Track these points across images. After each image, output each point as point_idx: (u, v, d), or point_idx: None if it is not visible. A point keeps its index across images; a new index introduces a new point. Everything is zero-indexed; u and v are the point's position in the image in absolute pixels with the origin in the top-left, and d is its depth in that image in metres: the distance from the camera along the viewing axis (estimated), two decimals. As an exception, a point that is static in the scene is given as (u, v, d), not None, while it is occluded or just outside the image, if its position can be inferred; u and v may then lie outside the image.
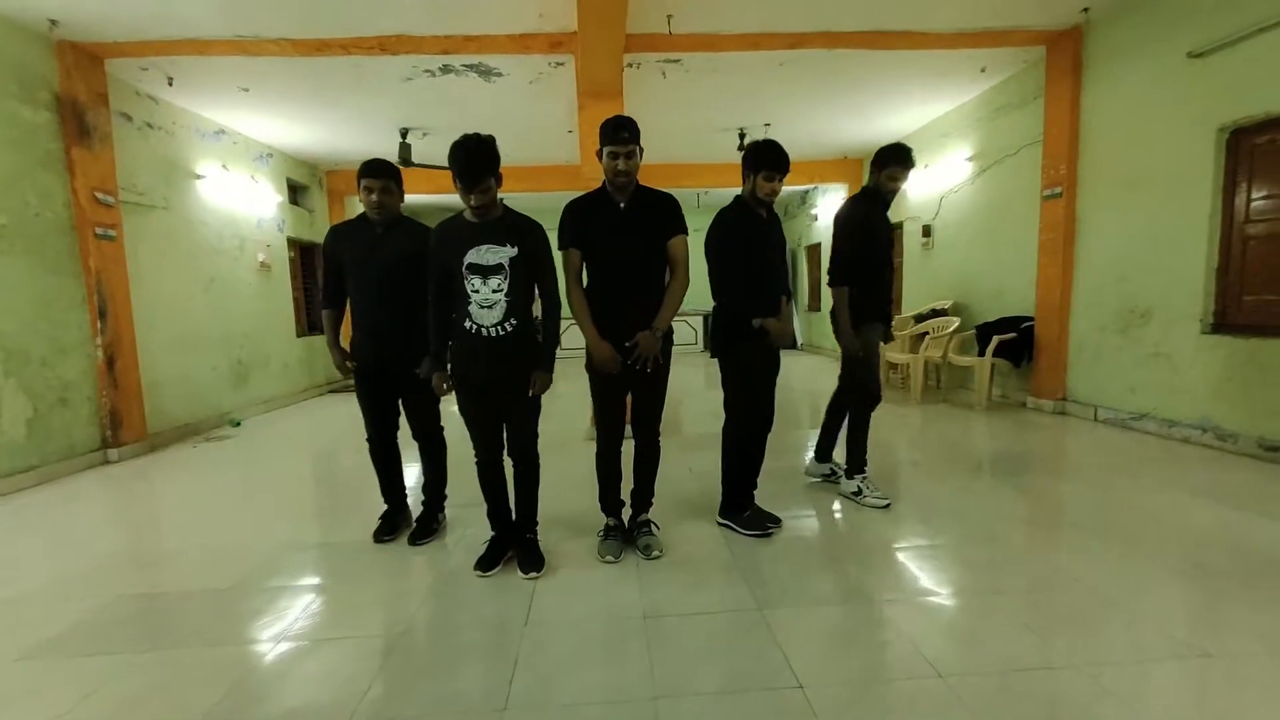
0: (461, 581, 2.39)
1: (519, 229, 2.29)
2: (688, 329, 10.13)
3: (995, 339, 5.32)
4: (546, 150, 7.52)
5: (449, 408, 2.68)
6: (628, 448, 2.59)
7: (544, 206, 9.57)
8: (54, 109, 4.26)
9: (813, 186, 10.08)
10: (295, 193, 7.85)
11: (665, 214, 2.42)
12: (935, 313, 6.52)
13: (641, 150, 2.37)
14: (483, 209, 2.22)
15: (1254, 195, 3.72)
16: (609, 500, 2.63)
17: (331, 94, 5.59)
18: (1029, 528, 2.85)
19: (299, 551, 2.76)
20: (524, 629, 2.01)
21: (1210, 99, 3.82)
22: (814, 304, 11.16)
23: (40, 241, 4.11)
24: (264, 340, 6.79)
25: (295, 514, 3.36)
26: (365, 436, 2.80)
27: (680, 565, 2.46)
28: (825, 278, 3.11)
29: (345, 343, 2.80)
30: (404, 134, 6.77)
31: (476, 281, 2.23)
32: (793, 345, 3.25)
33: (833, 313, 3.05)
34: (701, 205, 11.45)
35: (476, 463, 2.46)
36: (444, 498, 2.92)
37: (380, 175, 2.52)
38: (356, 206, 5.60)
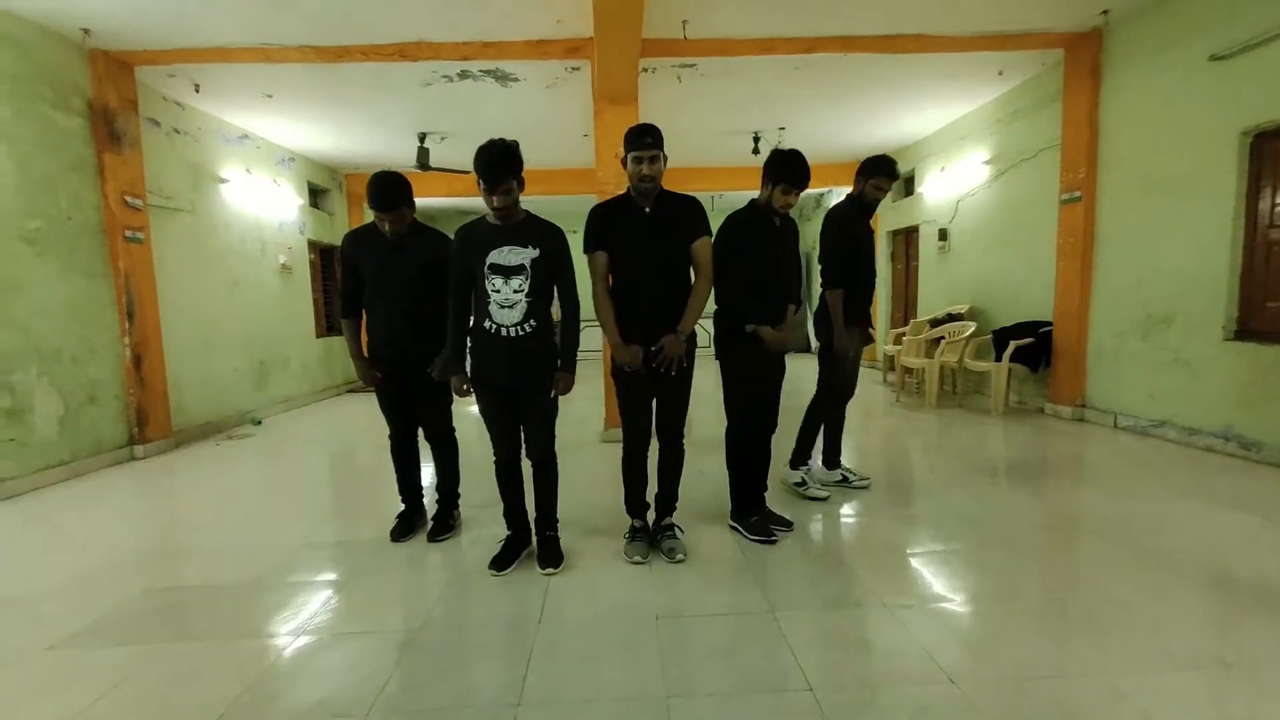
0: (478, 578, 2.43)
1: (541, 232, 2.34)
2: (702, 332, 10.15)
3: (1012, 344, 5.27)
4: (563, 154, 7.58)
5: (463, 408, 2.73)
6: (652, 449, 2.61)
7: (561, 210, 9.63)
8: (86, 115, 4.40)
9: (828, 190, 10.05)
10: (316, 196, 7.99)
11: (690, 216, 2.44)
12: (951, 317, 6.47)
13: (665, 156, 2.40)
14: (505, 211, 2.28)
15: (1278, 200, 3.66)
16: (634, 502, 2.65)
17: (351, 99, 5.69)
18: (1045, 534, 2.82)
19: (318, 548, 2.82)
20: (539, 626, 2.04)
21: (1232, 102, 3.76)
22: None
23: (72, 244, 4.24)
24: (284, 341, 6.91)
25: (315, 511, 3.42)
26: (388, 434, 2.88)
27: (694, 567, 2.48)
28: (816, 281, 3.17)
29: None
30: (422, 138, 6.86)
31: (498, 281, 2.28)
32: (805, 349, 3.28)
33: (818, 314, 3.14)
34: (716, 209, 11.46)
35: (495, 462, 2.50)
36: (458, 495, 2.97)
37: (390, 208, 2.54)
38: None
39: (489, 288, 2.29)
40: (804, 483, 3.27)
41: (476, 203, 10.52)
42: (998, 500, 3.22)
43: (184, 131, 5.47)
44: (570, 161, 7.92)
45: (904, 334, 6.90)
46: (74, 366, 4.22)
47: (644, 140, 2.33)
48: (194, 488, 4.00)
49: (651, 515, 2.71)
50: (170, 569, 2.66)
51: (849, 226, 3.14)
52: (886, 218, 8.67)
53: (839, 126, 7.04)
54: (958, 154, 6.75)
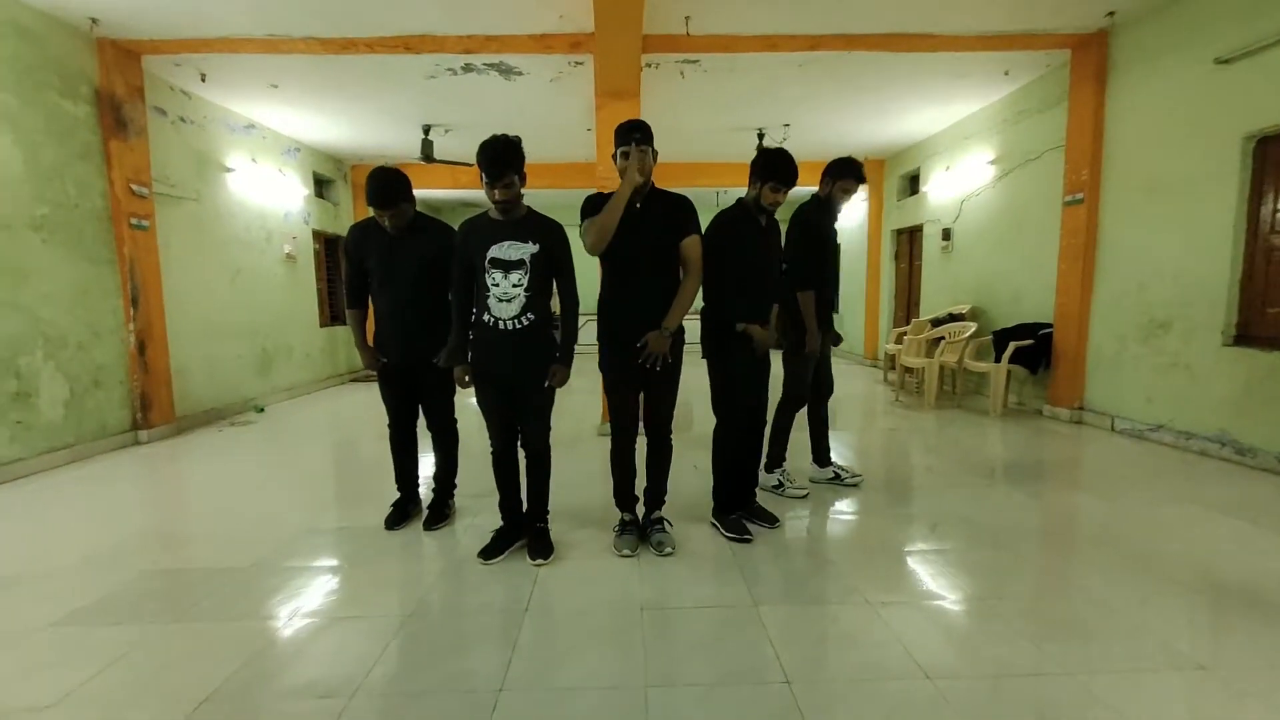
0: (469, 567, 2.47)
1: (541, 227, 2.38)
2: (691, 327, 10.17)
3: (1012, 345, 5.26)
4: (565, 148, 7.59)
5: (464, 400, 2.76)
6: (641, 444, 2.64)
7: (562, 203, 9.67)
8: (93, 103, 4.44)
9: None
10: (321, 186, 8.03)
11: (679, 214, 2.46)
12: (953, 317, 6.46)
13: (656, 153, 2.42)
14: (506, 205, 2.31)
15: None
16: (624, 496, 2.69)
17: (357, 91, 5.72)
18: (1036, 536, 2.84)
19: (316, 534, 2.87)
20: (525, 615, 2.08)
21: (1237, 106, 3.74)
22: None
23: (78, 231, 4.29)
24: (288, 329, 6.97)
25: (314, 498, 3.48)
26: (387, 423, 2.94)
27: (681, 560, 2.51)
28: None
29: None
30: (426, 130, 6.88)
31: (498, 275, 2.32)
32: (835, 344, 3.30)
33: (784, 314, 3.11)
34: (720, 204, 11.45)
35: (492, 453, 2.54)
36: (454, 486, 3.02)
37: (388, 205, 2.58)
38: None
39: (489, 281, 2.33)
40: (781, 484, 3.30)
41: (480, 195, 10.53)
42: (990, 501, 3.24)
43: (190, 120, 5.52)
44: (573, 156, 7.93)
45: (905, 333, 6.90)
46: (79, 351, 4.28)
47: (633, 135, 2.35)
48: (196, 473, 4.06)
49: (641, 509, 2.74)
50: (171, 551, 2.71)
51: (818, 227, 3.14)
52: (891, 216, 8.65)
53: (844, 124, 7.02)
54: (963, 153, 6.72)
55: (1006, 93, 5.90)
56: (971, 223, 6.61)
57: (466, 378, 2.46)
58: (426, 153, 6.96)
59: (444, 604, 2.21)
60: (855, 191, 3.17)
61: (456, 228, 2.51)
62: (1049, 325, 5.24)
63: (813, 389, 3.33)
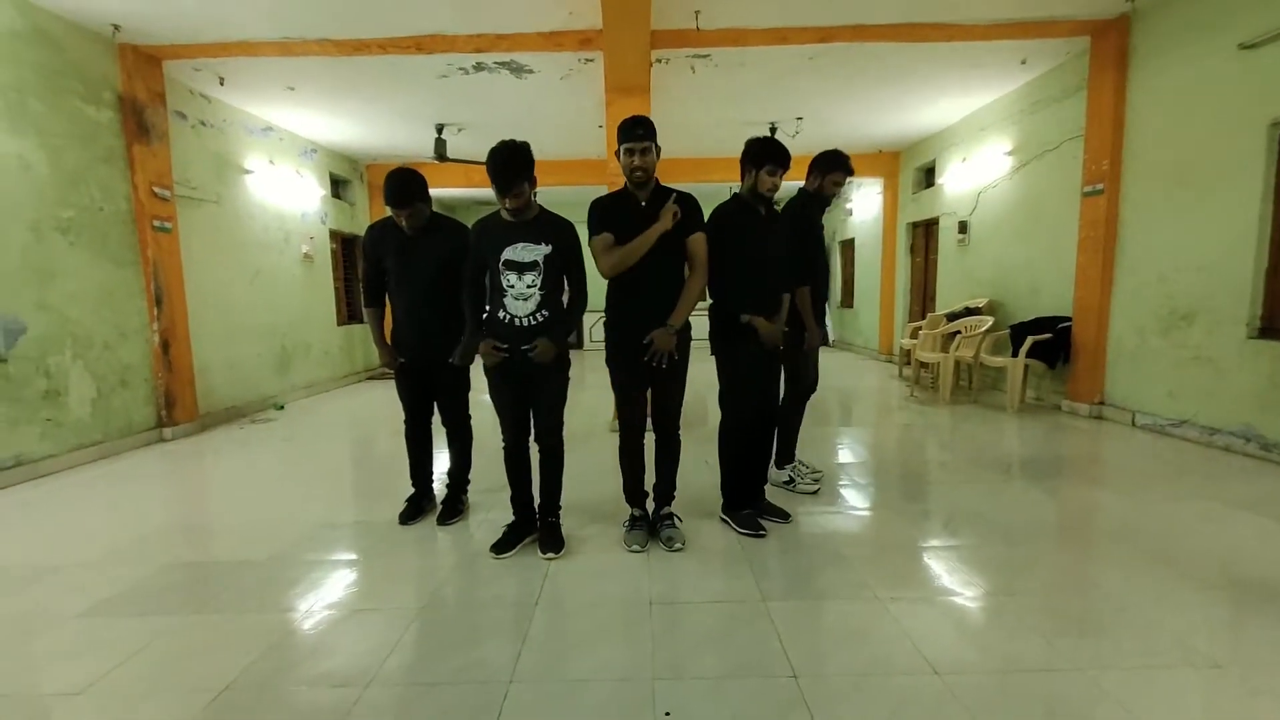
0: (482, 561, 2.51)
1: (553, 228, 2.41)
2: (698, 323, 10.17)
3: (1029, 339, 5.18)
4: (577, 145, 7.61)
5: (478, 397, 2.80)
6: (650, 440, 2.66)
7: (575, 200, 9.69)
8: (116, 108, 4.55)
9: (847, 180, 9.91)
10: (337, 186, 8.14)
11: (684, 211, 2.46)
12: (969, 311, 6.38)
13: (659, 149, 2.43)
14: (518, 210, 2.34)
15: (1308, 193, 3.54)
16: (633, 491, 2.70)
17: (371, 91, 5.79)
18: (1051, 532, 2.80)
19: (334, 528, 2.93)
20: (536, 608, 2.11)
21: (1262, 92, 3.64)
22: (847, 300, 11.01)
23: (103, 234, 4.41)
24: (306, 328, 7.09)
25: (332, 493, 3.55)
26: (403, 419, 2.99)
27: (691, 555, 2.53)
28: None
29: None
30: (440, 129, 6.94)
31: (512, 277, 2.36)
32: (826, 343, 3.26)
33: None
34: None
35: (504, 448, 2.58)
36: (467, 481, 3.06)
37: (404, 204, 2.63)
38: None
39: (504, 282, 2.37)
40: (792, 480, 3.29)
41: (492, 193, 10.60)
42: (1004, 497, 3.20)
43: (210, 124, 5.63)
44: (585, 152, 7.94)
45: (920, 328, 6.82)
46: (106, 351, 4.40)
47: (635, 132, 2.35)
48: (219, 469, 4.16)
49: (651, 504, 2.76)
50: (194, 545, 2.79)
51: (809, 221, 3.12)
52: (907, 209, 8.55)
53: (858, 116, 6.95)
54: (979, 145, 6.62)
55: (1024, 82, 5.79)
56: (988, 215, 6.51)
57: (493, 349, 2.39)
58: (440, 152, 7.02)
59: (457, 597, 2.24)
60: (844, 184, 3.16)
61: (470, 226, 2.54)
62: (1068, 319, 5.15)
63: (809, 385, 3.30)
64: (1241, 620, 1.98)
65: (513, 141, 2.27)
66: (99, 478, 3.90)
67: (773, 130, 7.09)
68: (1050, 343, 5.16)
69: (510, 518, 2.67)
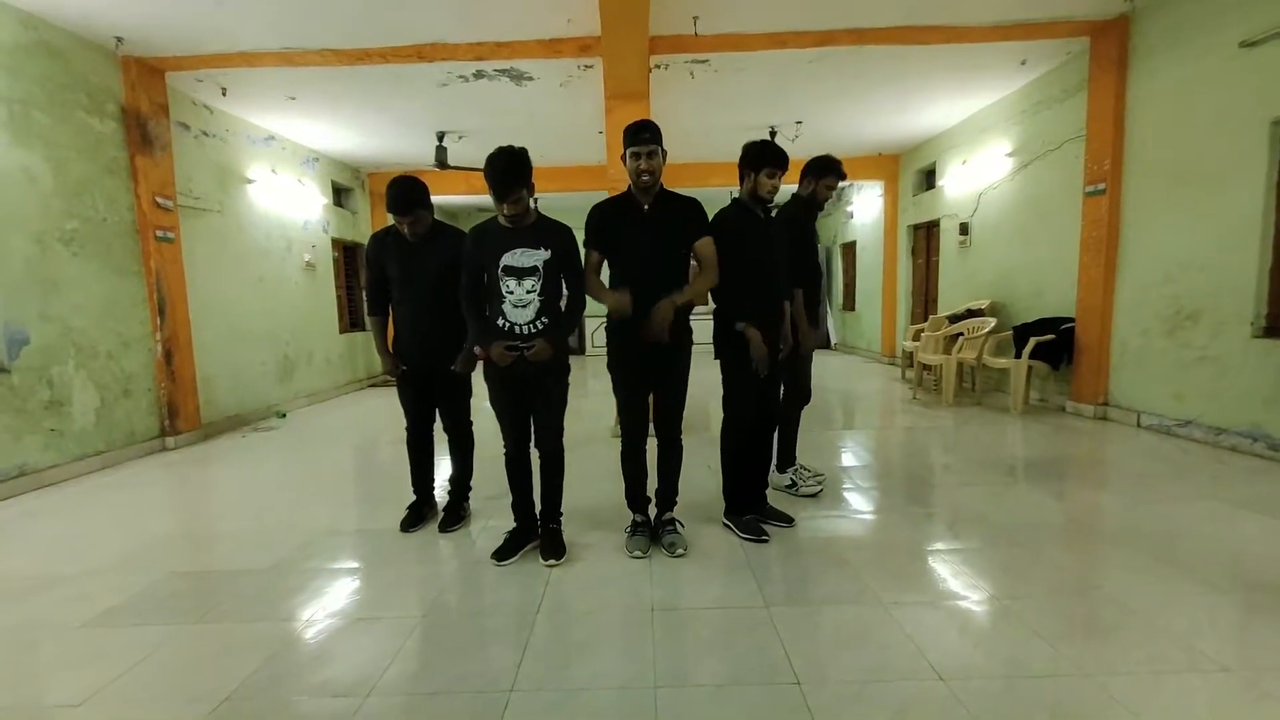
0: (483, 568, 2.51)
1: (551, 233, 2.41)
2: (699, 327, 10.18)
3: (1032, 340, 5.16)
4: (577, 151, 7.63)
5: (480, 404, 2.80)
6: (652, 446, 2.65)
7: (575, 206, 9.69)
8: (119, 119, 4.59)
9: (848, 184, 9.92)
10: (339, 195, 8.18)
11: (689, 216, 2.46)
12: (971, 313, 6.36)
13: (665, 153, 2.43)
14: (516, 217, 2.34)
15: (1311, 191, 3.52)
16: (635, 497, 2.69)
17: (372, 100, 5.82)
18: (1056, 534, 2.78)
19: (336, 536, 2.92)
20: (537, 615, 2.10)
21: (1263, 90, 3.63)
22: (849, 303, 11.00)
23: (107, 244, 4.43)
24: (309, 336, 7.12)
25: (334, 501, 3.55)
26: (405, 426, 2.99)
27: (694, 561, 2.51)
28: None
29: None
30: (440, 137, 6.98)
31: (511, 283, 2.35)
32: (826, 345, 3.24)
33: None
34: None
35: (505, 454, 2.58)
36: (469, 489, 3.05)
37: (406, 211, 2.65)
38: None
39: (503, 289, 2.37)
40: (794, 484, 3.28)
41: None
42: (1010, 500, 3.18)
43: (212, 134, 5.67)
44: (586, 158, 7.97)
45: (923, 330, 6.80)
46: (109, 361, 4.42)
47: (641, 136, 2.36)
48: (221, 478, 4.17)
49: (653, 510, 2.75)
50: (197, 554, 2.79)
51: (803, 225, 3.12)
52: (907, 212, 8.54)
53: (858, 119, 6.95)
54: (980, 146, 6.61)
55: (1024, 83, 5.79)
56: (990, 216, 6.50)
57: (502, 349, 2.37)
58: (441, 159, 7.06)
59: (458, 605, 2.24)
60: (836, 188, 3.17)
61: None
62: (1071, 319, 5.13)
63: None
64: (1249, 623, 1.96)
65: (510, 147, 2.27)
66: (102, 487, 3.91)
67: (772, 134, 7.10)
68: (1053, 344, 5.14)
69: (512, 524, 2.66)
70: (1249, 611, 2.02)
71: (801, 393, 3.25)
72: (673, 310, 2.37)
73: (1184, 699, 1.60)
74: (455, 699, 1.68)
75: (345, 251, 8.28)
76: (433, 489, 3.10)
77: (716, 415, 5.25)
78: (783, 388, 3.03)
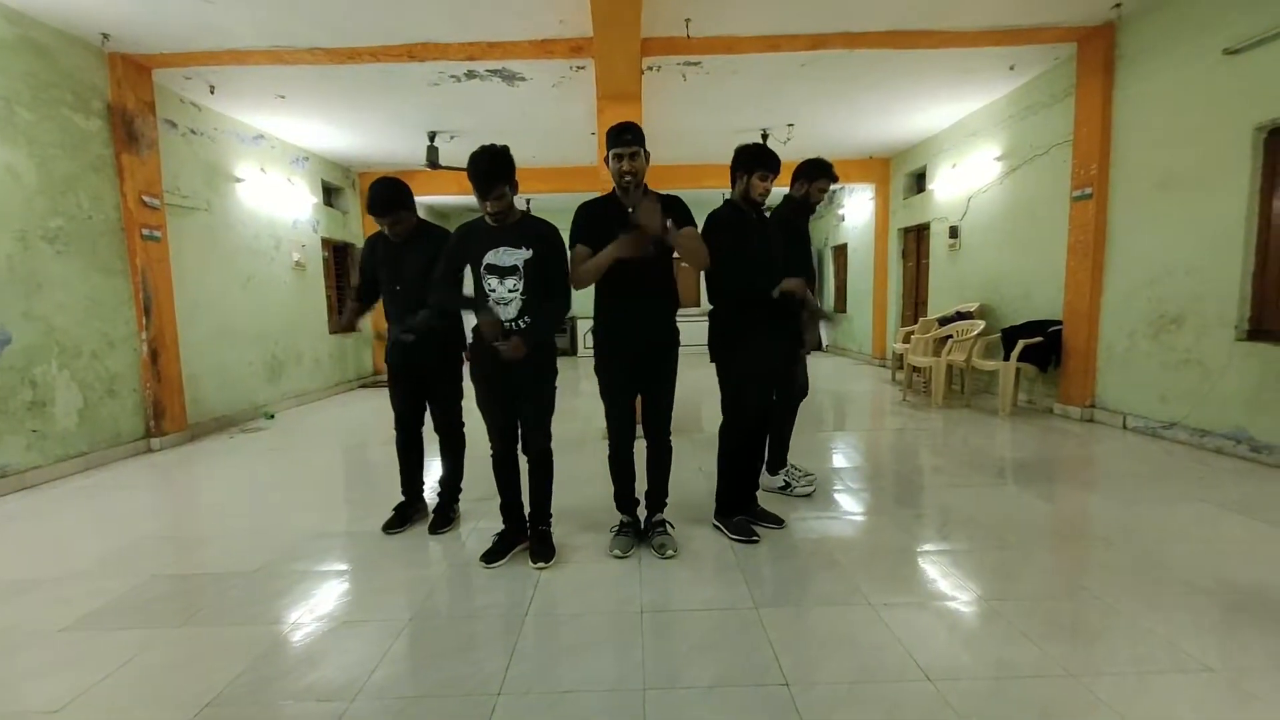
0: (472, 571, 2.49)
1: (534, 233, 2.39)
2: (698, 330, 10.18)
3: (1021, 343, 5.21)
4: (569, 152, 7.62)
5: (472, 404, 2.79)
6: (640, 447, 2.64)
7: (566, 207, 9.63)
8: (105, 117, 4.53)
9: (840, 186, 9.97)
10: (329, 194, 8.12)
11: (672, 214, 2.41)
12: (961, 315, 6.40)
13: (648, 154, 2.42)
14: (500, 215, 2.33)
15: (1293, 197, 3.58)
16: (623, 498, 2.68)
17: (363, 99, 5.78)
18: (1044, 536, 2.80)
19: (324, 538, 2.89)
20: (526, 618, 2.09)
21: (1247, 97, 3.68)
22: (840, 305, 11.05)
23: (92, 242, 4.38)
24: (298, 336, 7.05)
25: (323, 503, 3.51)
26: (394, 426, 2.97)
27: (684, 563, 2.51)
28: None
29: (379, 343, 2.98)
30: (432, 137, 6.95)
31: (494, 281, 2.35)
32: (818, 348, 3.23)
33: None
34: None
35: (492, 455, 2.56)
36: (459, 490, 3.04)
37: (385, 212, 2.66)
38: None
39: (485, 286, 2.36)
40: (788, 485, 3.29)
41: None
42: (998, 501, 3.20)
43: (200, 132, 5.61)
44: (578, 159, 7.96)
45: (912, 332, 6.84)
46: (93, 360, 4.36)
47: (624, 137, 2.34)
48: (207, 479, 4.12)
49: (643, 512, 2.74)
50: (181, 557, 2.75)
51: (796, 226, 3.14)
52: (898, 215, 8.60)
53: (849, 123, 6.99)
54: (969, 150, 6.67)
55: (1012, 88, 5.84)
56: (979, 220, 6.55)
57: (497, 328, 2.32)
58: (432, 159, 7.02)
59: (446, 608, 2.22)
60: (828, 190, 3.20)
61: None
62: (1059, 322, 5.18)
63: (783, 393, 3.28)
64: (1233, 624, 1.98)
65: (492, 146, 2.28)
66: (86, 489, 3.85)
67: (764, 137, 7.12)
68: (1041, 346, 5.18)
69: (501, 526, 2.65)
70: (1232, 612, 2.04)
71: (797, 393, 3.25)
72: (657, 216, 2.26)
73: (1168, 699, 1.61)
74: (442, 702, 1.66)
75: (335, 251, 8.22)
76: (422, 490, 3.08)
77: (708, 416, 5.27)
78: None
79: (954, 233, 6.97)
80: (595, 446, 4.48)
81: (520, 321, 2.36)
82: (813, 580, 2.35)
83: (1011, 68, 5.36)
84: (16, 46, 3.91)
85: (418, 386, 2.89)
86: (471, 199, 2.43)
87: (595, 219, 2.46)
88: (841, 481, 3.55)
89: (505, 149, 2.27)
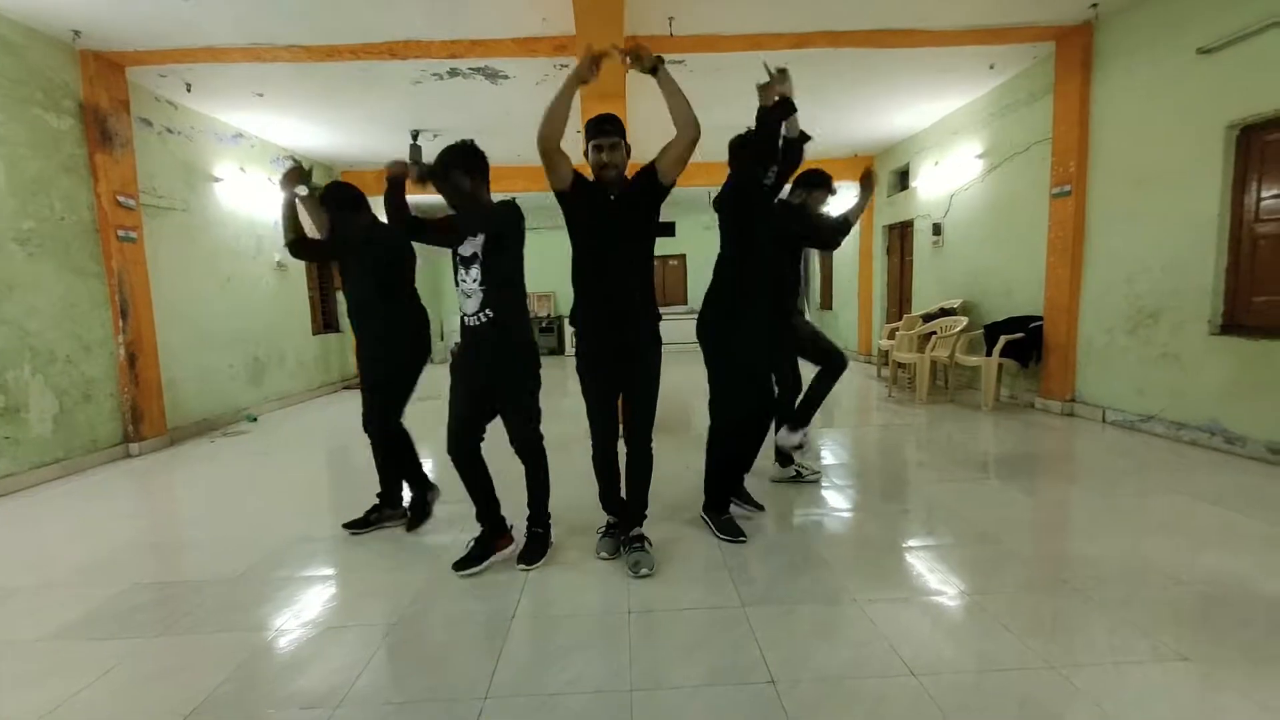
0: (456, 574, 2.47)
1: (490, 215, 2.35)
2: (685, 329, 10.20)
3: (1002, 339, 5.28)
4: (555, 150, 7.58)
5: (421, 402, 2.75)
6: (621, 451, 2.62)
7: (552, 205, 9.59)
8: (77, 116, 4.43)
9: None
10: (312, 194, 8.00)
11: (641, 176, 2.35)
12: (944, 312, 6.47)
13: (629, 147, 2.35)
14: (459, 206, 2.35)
15: (1264, 194, 3.66)
16: (608, 498, 2.66)
17: (343, 97, 5.71)
18: (1026, 530, 2.85)
19: (307, 543, 2.86)
20: (512, 621, 2.08)
21: (1219, 96, 3.76)
22: (826, 302, 11.12)
23: (65, 244, 4.28)
24: (280, 338, 6.96)
25: (306, 507, 3.47)
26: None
27: (670, 562, 2.51)
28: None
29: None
30: (415, 135, 6.89)
31: (463, 271, 2.36)
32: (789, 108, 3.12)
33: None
34: (711, 202, 11.46)
35: (450, 454, 2.47)
36: (424, 483, 3.01)
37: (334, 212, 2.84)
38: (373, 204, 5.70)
39: (457, 278, 2.38)
40: (799, 474, 3.39)
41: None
42: (981, 496, 3.24)
43: (176, 131, 5.51)
44: (564, 157, 7.92)
45: (897, 329, 6.91)
46: (68, 365, 4.27)
47: (604, 128, 2.31)
48: (188, 484, 4.06)
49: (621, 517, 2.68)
50: (161, 564, 2.71)
51: (789, 232, 3.21)
52: (882, 212, 8.66)
53: (833, 121, 7.02)
54: (951, 148, 6.73)
55: (992, 86, 5.91)
56: (962, 217, 6.62)
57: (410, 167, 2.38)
58: (415, 158, 6.95)
59: (431, 612, 2.20)
60: (825, 202, 3.29)
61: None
62: (1039, 318, 5.25)
63: (788, 387, 3.31)
64: (1208, 614, 2.02)
65: (461, 140, 2.32)
66: (62, 496, 3.78)
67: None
68: (1023, 342, 5.25)
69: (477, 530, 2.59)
70: (1208, 603, 2.09)
71: (836, 360, 3.24)
72: (649, 56, 2.24)
73: (1146, 689, 1.64)
74: (428, 708, 1.65)
75: (318, 251, 8.10)
76: (395, 491, 3.04)
77: (697, 414, 5.28)
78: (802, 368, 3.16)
79: (937, 230, 7.03)
80: (583, 447, 4.46)
81: (483, 314, 2.33)
82: (799, 577, 2.37)
83: (991, 66, 5.42)
84: (-17, 43, 3.81)
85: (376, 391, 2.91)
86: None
87: (582, 193, 2.36)
88: (829, 478, 3.58)
89: (469, 143, 2.31)
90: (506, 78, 5.31)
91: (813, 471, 3.49)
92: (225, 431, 5.60)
